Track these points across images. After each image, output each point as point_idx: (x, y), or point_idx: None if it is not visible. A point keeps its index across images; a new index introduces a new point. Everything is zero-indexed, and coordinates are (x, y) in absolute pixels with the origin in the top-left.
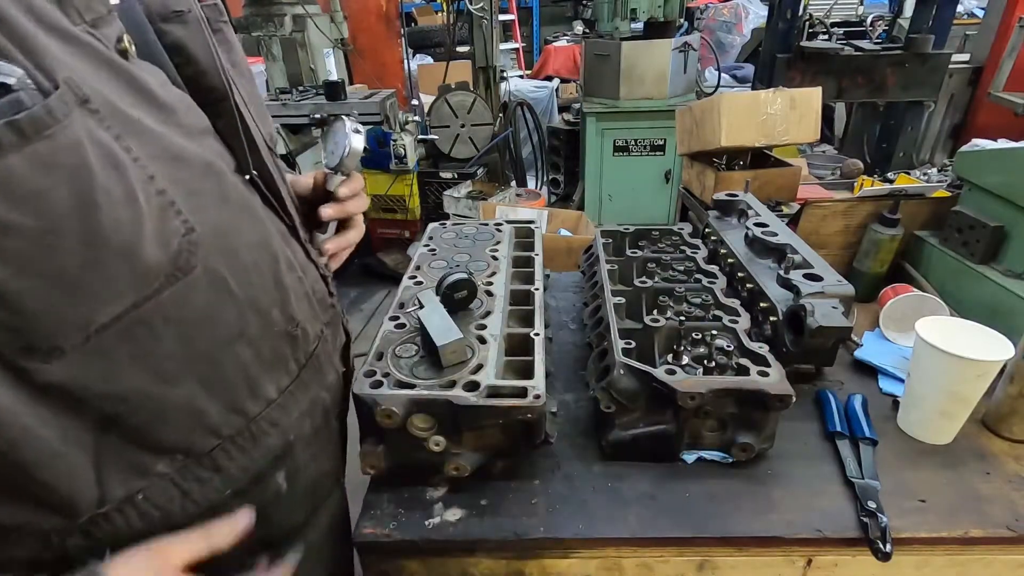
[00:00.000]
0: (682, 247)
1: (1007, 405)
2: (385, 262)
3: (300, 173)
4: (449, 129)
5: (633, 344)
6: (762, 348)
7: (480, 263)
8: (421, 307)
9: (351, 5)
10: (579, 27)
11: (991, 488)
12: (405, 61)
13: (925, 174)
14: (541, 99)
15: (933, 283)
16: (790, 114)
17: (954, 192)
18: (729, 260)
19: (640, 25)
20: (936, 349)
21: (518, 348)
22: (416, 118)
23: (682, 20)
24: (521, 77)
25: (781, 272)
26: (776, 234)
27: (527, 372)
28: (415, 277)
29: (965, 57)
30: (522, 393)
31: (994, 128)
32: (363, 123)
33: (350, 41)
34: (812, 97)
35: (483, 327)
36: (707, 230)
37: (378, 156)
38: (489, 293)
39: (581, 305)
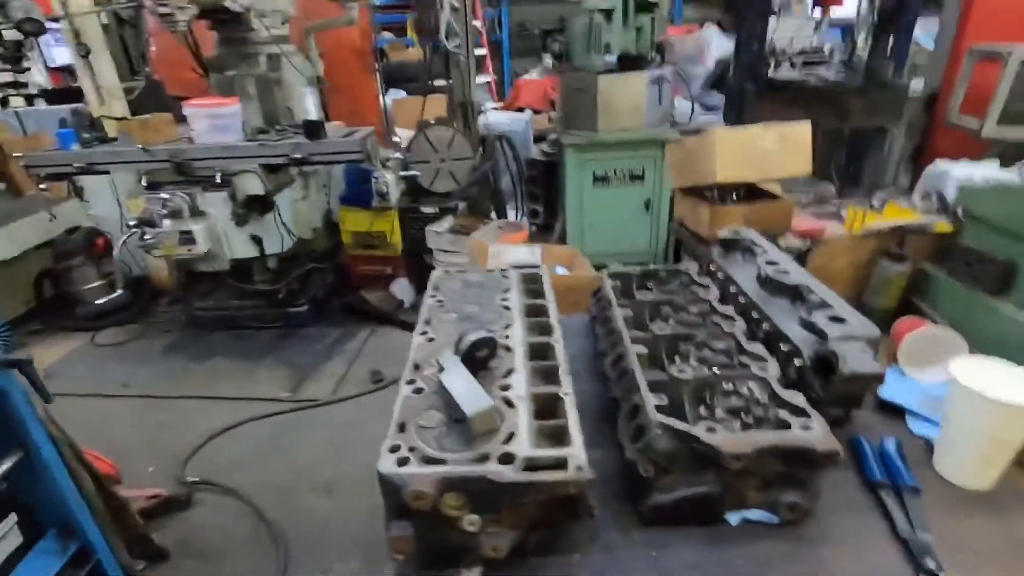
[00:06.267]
0: (692, 287)
1: None
2: (368, 300)
3: (278, 212)
4: (429, 164)
5: (665, 400)
6: (797, 397)
7: (492, 314)
8: (442, 370)
9: (325, 42)
10: (548, 60)
11: None
12: (380, 97)
13: (912, 202)
14: (518, 131)
15: (943, 316)
16: (782, 148)
17: (955, 226)
18: (741, 300)
19: (614, 57)
20: (978, 395)
21: (546, 409)
22: (397, 155)
23: (654, 53)
24: (496, 109)
25: (804, 315)
26: (789, 273)
27: (560, 437)
28: (426, 333)
29: (920, 84)
30: (562, 464)
31: (953, 150)
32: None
33: (326, 78)
34: (803, 132)
35: (507, 387)
36: (712, 267)
37: (359, 193)
38: (507, 348)
39: (593, 352)
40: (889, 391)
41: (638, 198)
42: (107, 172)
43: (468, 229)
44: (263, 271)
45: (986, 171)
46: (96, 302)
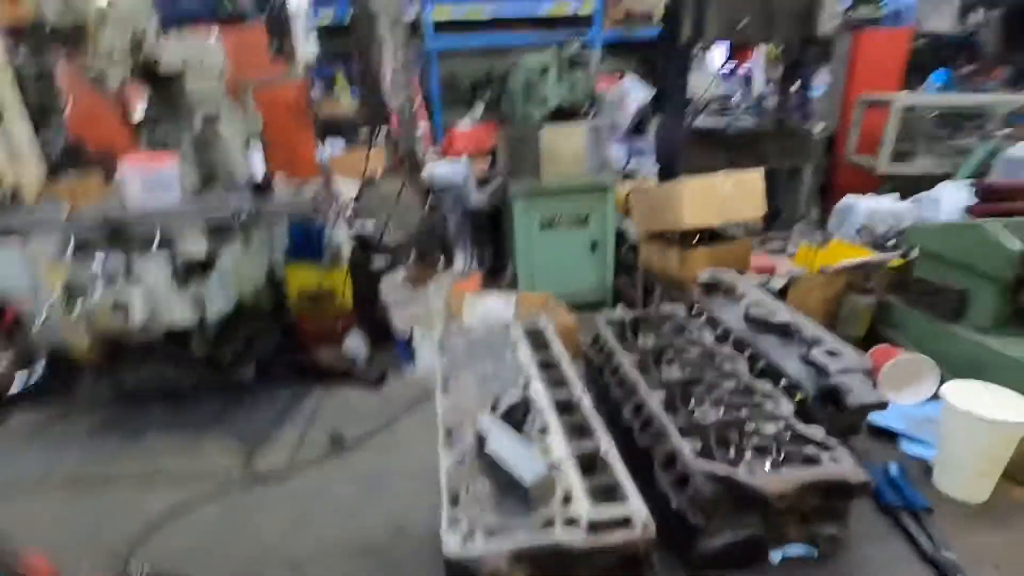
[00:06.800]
0: (686, 330)
1: None
2: (319, 359)
3: (219, 272)
4: (379, 217)
5: (700, 445)
6: (818, 432)
7: (508, 371)
8: (484, 437)
9: (260, 98)
10: (479, 110)
11: None
12: (319, 151)
13: (847, 235)
14: (460, 179)
15: (908, 342)
16: (738, 194)
17: (907, 259)
18: (732, 338)
19: (551, 108)
20: (972, 416)
21: (588, 465)
22: (349, 210)
23: (588, 106)
24: (436, 158)
25: (801, 350)
26: (775, 312)
27: (610, 493)
28: (448, 395)
29: (821, 127)
30: (625, 522)
31: (853, 186)
32: (296, 219)
33: (264, 135)
34: (755, 179)
35: (547, 448)
36: (696, 309)
37: (306, 249)
38: (533, 402)
39: (599, 399)
40: (879, 416)
41: (584, 240)
42: (24, 238)
43: (422, 279)
44: (203, 335)
45: (886, 203)
46: (5, 383)
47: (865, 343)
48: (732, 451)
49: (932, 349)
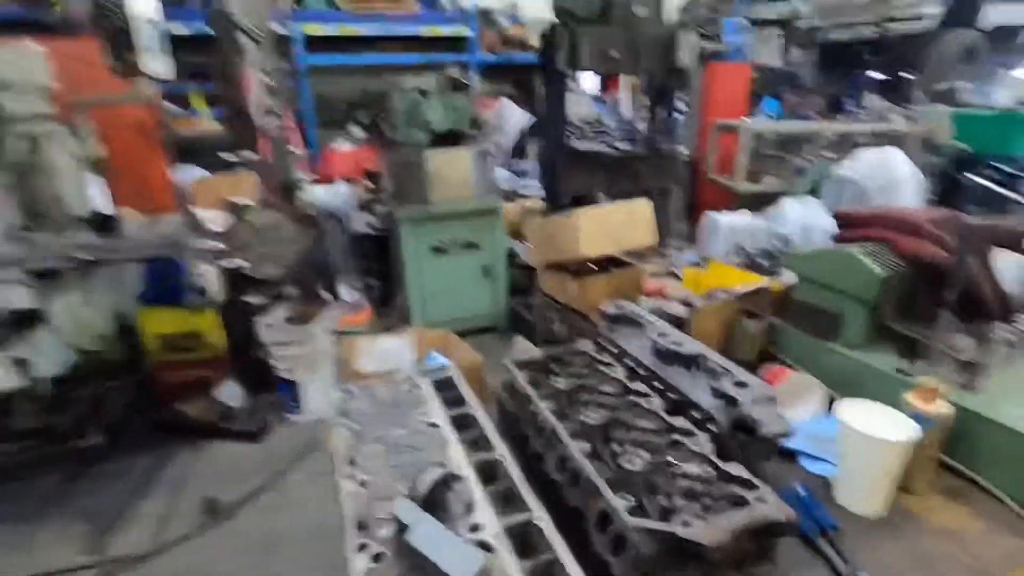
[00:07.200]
0: (597, 367)
1: (911, 467)
2: (186, 412)
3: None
4: (253, 250)
5: (633, 500)
6: (740, 469)
7: (421, 436)
8: (404, 528)
9: (101, 118)
10: (356, 131)
11: (940, 545)
12: (175, 178)
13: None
14: (342, 205)
15: (794, 360)
16: (630, 222)
17: (785, 284)
18: (641, 372)
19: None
20: (872, 438)
21: (523, 539)
22: (216, 244)
23: (473, 129)
24: (314, 183)
25: (712, 383)
26: (682, 343)
27: (549, 572)
28: (354, 476)
29: (684, 150)
30: None
31: (715, 203)
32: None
33: (107, 161)
34: (645, 207)
35: (477, 527)
36: (602, 342)
37: (164, 290)
38: (458, 477)
39: (515, 447)
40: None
41: (476, 264)
42: None
43: (306, 316)
44: (33, 401)
45: (744, 219)
46: None
47: (756, 364)
48: (662, 498)
49: (813, 366)
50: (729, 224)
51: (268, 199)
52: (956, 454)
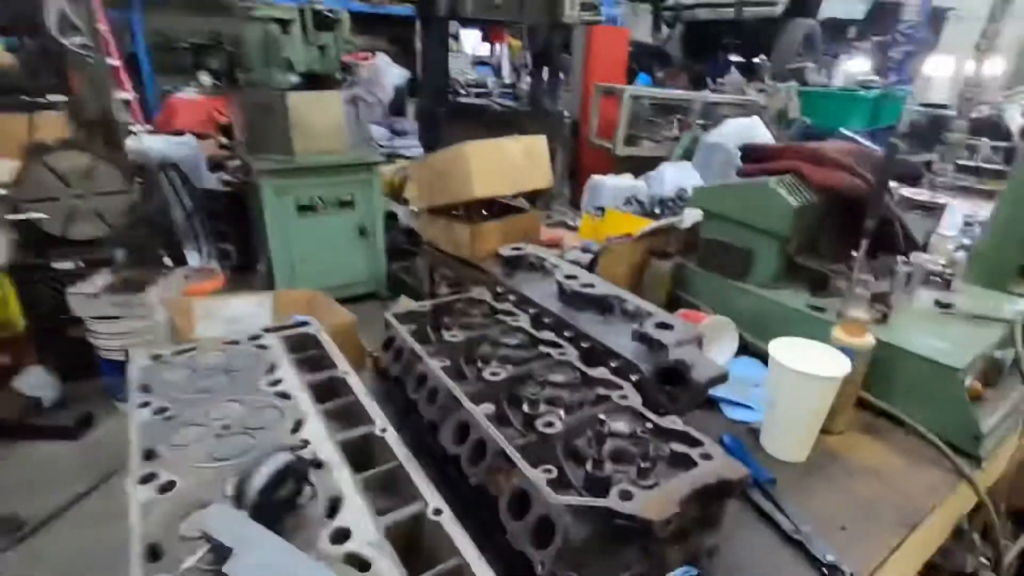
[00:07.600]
0: (497, 316)
1: (834, 404)
2: None
3: None
4: (59, 203)
5: (555, 473)
6: (677, 423)
7: (266, 412)
8: (221, 552)
9: None
10: (205, 78)
11: (870, 485)
12: None
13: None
14: (186, 158)
15: (704, 302)
16: (528, 162)
17: (693, 222)
18: (546, 320)
19: (297, 76)
20: (807, 375)
21: (411, 540)
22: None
23: (341, 73)
24: (149, 132)
25: (634, 326)
26: (594, 284)
27: None
28: (154, 478)
29: (568, 112)
30: None
31: (598, 166)
32: None
33: None
34: (541, 144)
35: (345, 535)
36: (500, 290)
37: None
38: (315, 463)
39: (400, 420)
40: None
41: (350, 225)
42: None
43: (139, 284)
44: None
45: (627, 181)
46: None
47: (667, 308)
48: (590, 465)
49: (725, 307)
50: (614, 185)
51: (78, 140)
52: (871, 389)
